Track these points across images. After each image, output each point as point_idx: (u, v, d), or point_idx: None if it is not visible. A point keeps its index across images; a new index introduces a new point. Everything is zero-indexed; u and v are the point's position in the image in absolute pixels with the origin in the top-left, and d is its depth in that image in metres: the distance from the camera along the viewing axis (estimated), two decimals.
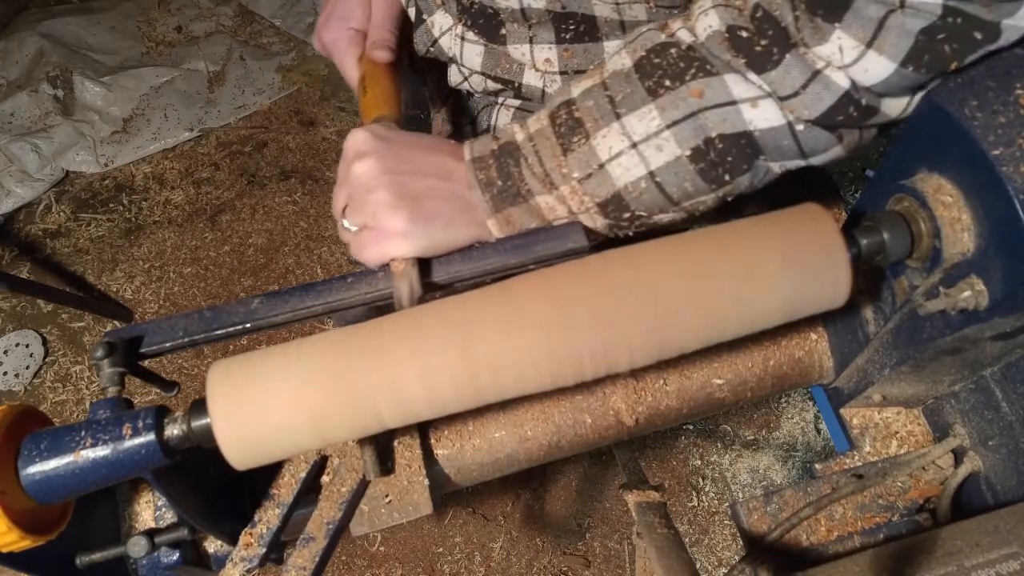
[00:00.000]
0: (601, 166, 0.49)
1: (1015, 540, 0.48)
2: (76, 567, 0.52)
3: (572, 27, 0.58)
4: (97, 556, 0.53)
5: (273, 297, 0.52)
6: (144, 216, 2.02)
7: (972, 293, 0.44)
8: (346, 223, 0.53)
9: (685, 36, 0.48)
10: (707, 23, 0.47)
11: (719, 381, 0.64)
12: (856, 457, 0.63)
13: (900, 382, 0.58)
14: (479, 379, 0.44)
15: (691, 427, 1.64)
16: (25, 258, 1.94)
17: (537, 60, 0.61)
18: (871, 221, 0.49)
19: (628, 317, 0.44)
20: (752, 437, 1.64)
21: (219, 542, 0.59)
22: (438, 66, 0.76)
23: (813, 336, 0.65)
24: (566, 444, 0.64)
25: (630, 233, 0.54)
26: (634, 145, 0.48)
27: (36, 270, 1.92)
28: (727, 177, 0.49)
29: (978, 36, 0.40)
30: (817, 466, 0.63)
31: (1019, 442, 0.52)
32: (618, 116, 0.48)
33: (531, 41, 0.60)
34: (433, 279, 0.51)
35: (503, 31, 0.62)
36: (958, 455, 0.59)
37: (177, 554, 0.56)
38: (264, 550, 0.53)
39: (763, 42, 0.45)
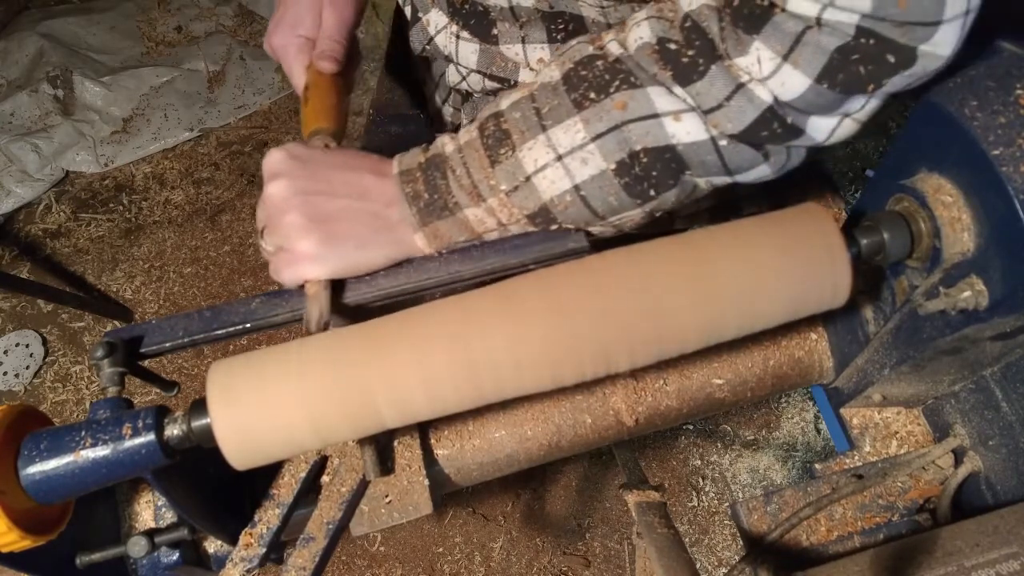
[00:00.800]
0: (527, 178, 0.49)
1: (1015, 540, 0.48)
2: (76, 567, 0.52)
3: (562, 26, 0.58)
4: (97, 556, 0.53)
5: (273, 297, 0.52)
6: (144, 216, 2.01)
7: (972, 293, 0.44)
8: (264, 244, 0.53)
9: (614, 48, 0.48)
10: (639, 34, 0.47)
11: (719, 381, 0.64)
12: (856, 457, 0.63)
13: (900, 382, 0.58)
14: (479, 379, 0.44)
15: (691, 427, 1.64)
16: (25, 258, 1.94)
17: (531, 60, 0.61)
18: (871, 221, 0.49)
19: (628, 317, 0.44)
20: (752, 437, 1.64)
21: (219, 542, 0.59)
22: (436, 65, 0.76)
23: (813, 336, 0.65)
24: (566, 444, 0.64)
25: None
26: (559, 158, 0.48)
27: (36, 270, 1.92)
28: (652, 192, 0.49)
29: (891, 59, 0.40)
30: (817, 466, 0.63)
31: (1019, 442, 0.52)
32: (544, 128, 0.48)
33: (523, 41, 0.60)
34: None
35: (494, 31, 0.62)
36: (958, 455, 0.59)
37: (177, 554, 0.56)
38: (264, 550, 0.53)
39: (690, 52, 0.45)
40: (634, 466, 0.76)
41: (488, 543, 1.54)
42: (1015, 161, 0.41)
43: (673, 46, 0.45)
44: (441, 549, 1.54)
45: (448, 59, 0.67)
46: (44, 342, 1.82)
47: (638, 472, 0.74)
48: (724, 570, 1.50)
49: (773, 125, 0.45)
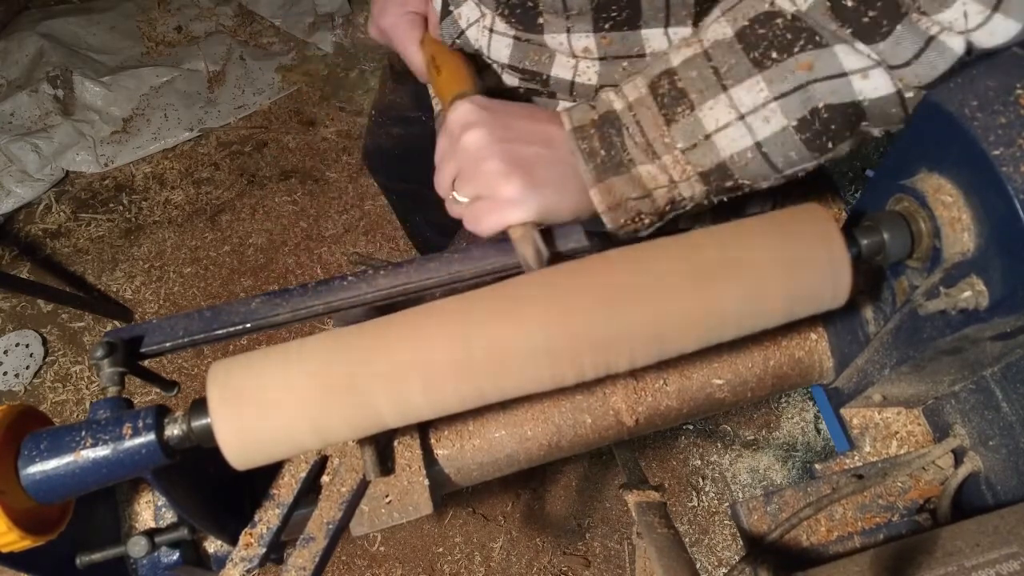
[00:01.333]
0: (707, 136, 0.49)
1: (1015, 540, 0.48)
2: (76, 567, 0.52)
3: (614, 14, 0.58)
4: (97, 556, 0.53)
5: (273, 297, 0.52)
6: (144, 216, 2.01)
7: (972, 293, 0.44)
8: (457, 196, 0.53)
9: (786, 5, 0.47)
10: None
11: (719, 381, 0.64)
12: (856, 457, 0.63)
13: (900, 382, 0.58)
14: (479, 379, 0.44)
15: (691, 427, 1.64)
16: (25, 258, 1.94)
17: (575, 48, 0.61)
18: (871, 221, 0.49)
19: (628, 317, 0.44)
20: (752, 437, 1.64)
21: (219, 542, 0.59)
22: None
23: (813, 336, 0.65)
24: (566, 444, 0.64)
25: (724, 200, 0.55)
26: (741, 117, 0.48)
27: (36, 270, 1.92)
28: (830, 144, 0.49)
29: None
30: (817, 466, 0.63)
31: (1019, 442, 0.52)
32: (724, 88, 0.48)
33: (568, 31, 0.60)
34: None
35: (540, 21, 0.62)
36: (958, 455, 0.59)
37: (177, 554, 0.56)
38: (264, 550, 0.53)
39: (871, 13, 0.44)
40: (634, 466, 0.76)
41: (488, 543, 1.54)
42: (1015, 161, 0.41)
43: (850, 3, 0.45)
44: (441, 549, 1.54)
45: (478, 53, 0.67)
46: (44, 342, 1.82)
47: (638, 472, 0.74)
48: (724, 570, 1.50)
49: (956, 66, 0.45)
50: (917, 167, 0.48)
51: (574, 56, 0.62)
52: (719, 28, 0.50)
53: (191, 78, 2.21)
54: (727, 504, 1.56)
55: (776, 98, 0.47)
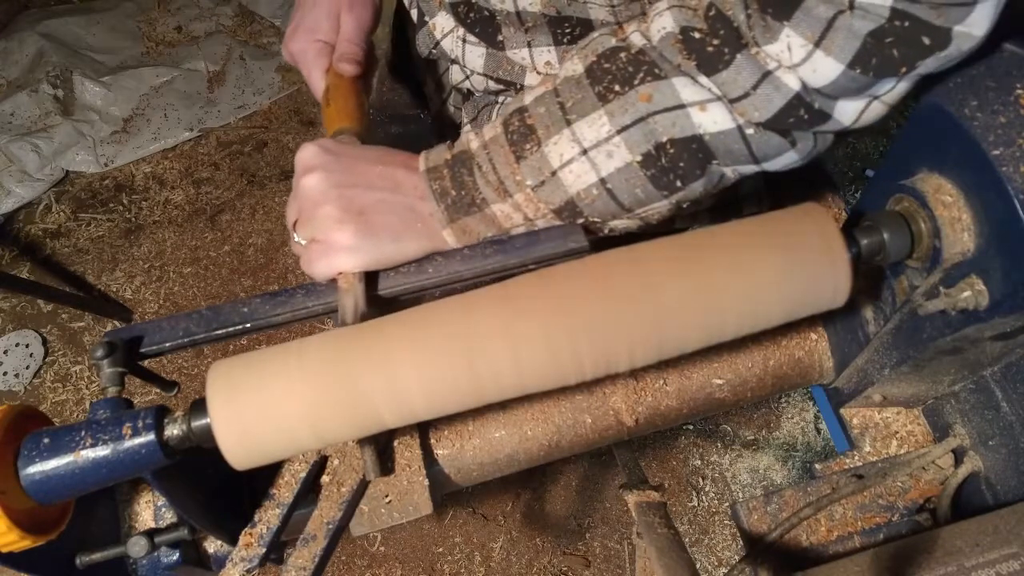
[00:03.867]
0: (553, 173, 0.49)
1: (1015, 540, 0.48)
2: (76, 567, 0.52)
3: (568, 30, 0.58)
4: (97, 556, 0.53)
5: (273, 297, 0.52)
6: (144, 216, 2.01)
7: (972, 293, 0.44)
8: (296, 237, 0.53)
9: (637, 39, 0.48)
10: (661, 24, 0.47)
11: (719, 381, 0.64)
12: (856, 457, 0.63)
13: (900, 382, 0.58)
14: (479, 379, 0.44)
15: (691, 427, 1.64)
16: (25, 258, 1.94)
17: (538, 63, 0.61)
18: (871, 221, 0.49)
19: (628, 317, 0.44)
20: (752, 437, 1.64)
21: (219, 542, 0.59)
22: (438, 65, 0.76)
23: (813, 336, 0.65)
24: (566, 444, 0.64)
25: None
26: (584, 152, 0.48)
27: (36, 270, 1.92)
28: (679, 183, 0.49)
29: (926, 41, 0.40)
30: (817, 466, 0.63)
31: (1019, 442, 0.52)
32: (568, 123, 0.48)
33: (529, 45, 0.61)
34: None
35: (500, 37, 0.62)
36: (958, 455, 0.59)
37: (177, 554, 0.56)
38: (264, 550, 0.53)
39: (715, 42, 0.45)
40: (634, 466, 0.76)
41: (488, 543, 1.54)
42: (1015, 161, 0.41)
43: (697, 35, 0.45)
44: (441, 549, 1.54)
45: (454, 62, 0.67)
46: (44, 342, 1.82)
47: (638, 472, 0.74)
48: (724, 570, 1.50)
49: (800, 112, 0.44)
50: (917, 167, 0.48)
51: (537, 71, 0.62)
52: (571, 65, 0.50)
53: (191, 78, 2.21)
54: (727, 504, 1.56)
55: (618, 131, 0.47)
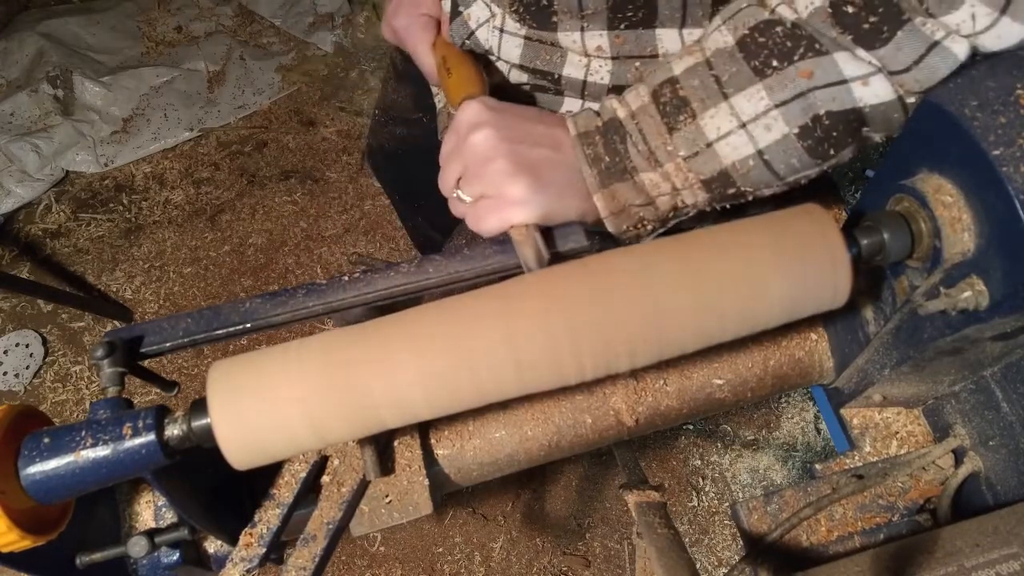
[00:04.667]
0: (709, 145, 0.49)
1: (1015, 540, 0.48)
2: (76, 567, 0.52)
3: (630, 14, 0.58)
4: (97, 556, 0.53)
5: (273, 297, 0.52)
6: (144, 216, 2.01)
7: (972, 293, 0.44)
8: (461, 194, 0.54)
9: (787, 13, 0.48)
10: None
11: (719, 381, 0.64)
12: (856, 457, 0.63)
13: (900, 382, 0.58)
14: (479, 379, 0.44)
15: (691, 427, 1.64)
16: (25, 258, 1.94)
17: (589, 47, 0.61)
18: (871, 221, 0.49)
19: (628, 317, 0.44)
20: (752, 437, 1.64)
21: (219, 542, 0.59)
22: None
23: (813, 336, 0.65)
24: (566, 444, 0.64)
25: (727, 207, 0.55)
26: (743, 125, 0.48)
27: (36, 270, 1.92)
28: (832, 151, 0.49)
29: None
30: (817, 466, 0.63)
31: (1019, 442, 0.52)
32: (726, 96, 0.49)
33: (582, 30, 0.60)
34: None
35: (554, 19, 0.62)
36: (958, 455, 0.59)
37: (177, 554, 0.56)
38: (264, 550, 0.53)
39: (872, 19, 0.44)
40: (634, 466, 0.76)
41: (488, 543, 1.54)
42: (1015, 161, 0.41)
43: (851, 9, 0.45)
44: (441, 549, 1.54)
45: (488, 53, 0.67)
46: (44, 342, 1.82)
47: (638, 472, 0.74)
48: (724, 570, 1.50)
49: (956, 70, 0.45)
50: (917, 167, 0.48)
51: (586, 55, 0.62)
52: (720, 37, 0.50)
53: (191, 78, 2.21)
54: (727, 504, 1.56)
55: (777, 106, 0.47)
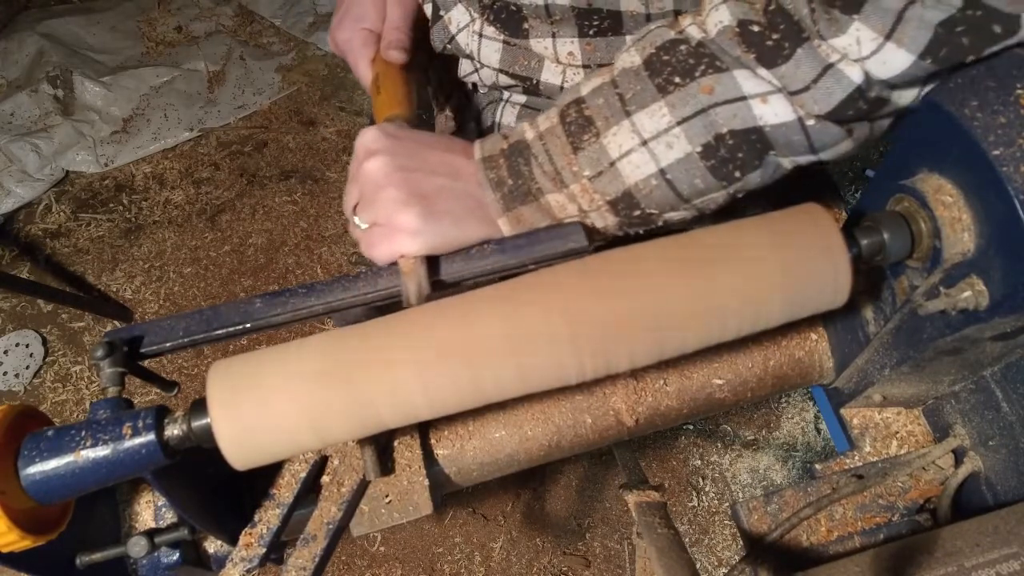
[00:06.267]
0: (612, 164, 0.49)
1: (1015, 540, 0.48)
2: (76, 567, 0.52)
3: (596, 23, 0.58)
4: (97, 556, 0.53)
5: (273, 297, 0.52)
6: (144, 216, 2.01)
7: (972, 293, 0.44)
8: (357, 220, 0.53)
9: (695, 32, 0.48)
10: (718, 18, 0.47)
11: (719, 381, 0.64)
12: (856, 457, 0.63)
13: (900, 382, 0.58)
14: (479, 379, 0.44)
15: (691, 427, 1.64)
16: (25, 258, 1.94)
17: (560, 54, 0.61)
18: (871, 221, 0.49)
19: (628, 317, 0.44)
20: (752, 437, 1.64)
21: (219, 542, 0.59)
22: (441, 63, 0.76)
23: (813, 336, 0.65)
24: (566, 444, 0.64)
25: (640, 231, 0.54)
26: (644, 143, 0.48)
27: (36, 270, 1.92)
28: (737, 173, 0.49)
29: (997, 29, 0.40)
30: (817, 466, 0.63)
31: (1019, 442, 0.52)
32: (628, 114, 0.49)
33: (554, 36, 0.61)
34: (441, 277, 0.52)
35: (525, 26, 0.62)
36: (958, 455, 0.59)
37: (177, 554, 0.56)
38: (264, 550, 0.53)
39: (775, 36, 0.45)
40: (634, 466, 0.76)
41: (488, 543, 1.54)
42: (1015, 161, 0.41)
43: (756, 28, 0.45)
44: (441, 549, 1.54)
45: (469, 57, 0.67)
46: (44, 342, 1.82)
47: (638, 472, 0.74)
48: (724, 570, 1.50)
49: (859, 103, 0.45)
50: (917, 167, 0.48)
51: (559, 62, 0.62)
52: (628, 57, 0.50)
53: (191, 78, 2.21)
54: (727, 504, 1.56)
55: (679, 123, 0.47)
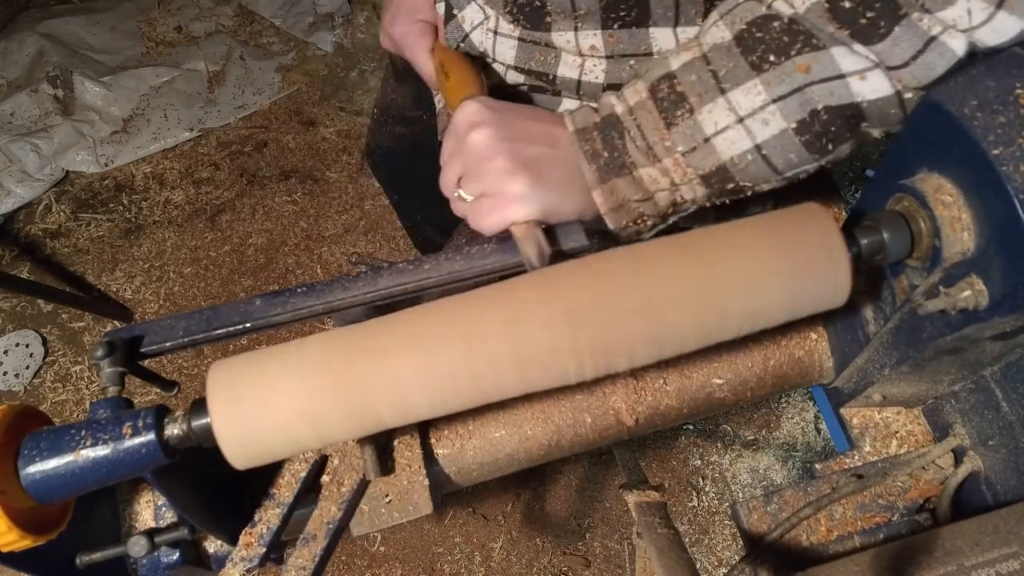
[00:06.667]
0: (707, 140, 0.50)
1: (1015, 540, 0.48)
2: (76, 567, 0.52)
3: (623, 14, 0.58)
4: (97, 556, 0.53)
5: (273, 297, 0.52)
6: (144, 216, 2.01)
7: (972, 293, 0.44)
8: (462, 193, 0.54)
9: (784, 8, 0.48)
10: None
11: (719, 381, 0.64)
12: (856, 457, 0.63)
13: (900, 382, 0.58)
14: (479, 379, 0.44)
15: (691, 427, 1.64)
16: (25, 258, 1.94)
17: (583, 47, 0.61)
18: (871, 221, 0.49)
19: (628, 316, 0.44)
20: (752, 437, 1.64)
21: (219, 542, 0.59)
22: None
23: (813, 336, 0.65)
24: (566, 444, 0.64)
25: (727, 202, 0.55)
26: (740, 120, 0.49)
27: (36, 270, 1.92)
28: (830, 146, 0.49)
29: None
30: (817, 466, 0.63)
31: (1019, 442, 0.52)
32: (723, 91, 0.49)
33: (576, 29, 0.61)
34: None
35: (548, 19, 0.62)
36: (958, 455, 0.59)
37: (177, 554, 0.56)
38: (264, 550, 0.53)
39: (869, 14, 0.45)
40: (634, 466, 0.76)
41: (488, 543, 1.54)
42: (1015, 161, 0.41)
43: (848, 4, 0.45)
44: (441, 549, 1.54)
45: (483, 55, 0.67)
46: (44, 342, 1.82)
47: (638, 472, 0.74)
48: (724, 570, 1.50)
49: (955, 67, 0.45)
50: (917, 167, 0.48)
51: (580, 55, 0.62)
52: (717, 32, 0.50)
53: (191, 78, 2.21)
54: (727, 504, 1.56)
55: (774, 101, 0.48)
